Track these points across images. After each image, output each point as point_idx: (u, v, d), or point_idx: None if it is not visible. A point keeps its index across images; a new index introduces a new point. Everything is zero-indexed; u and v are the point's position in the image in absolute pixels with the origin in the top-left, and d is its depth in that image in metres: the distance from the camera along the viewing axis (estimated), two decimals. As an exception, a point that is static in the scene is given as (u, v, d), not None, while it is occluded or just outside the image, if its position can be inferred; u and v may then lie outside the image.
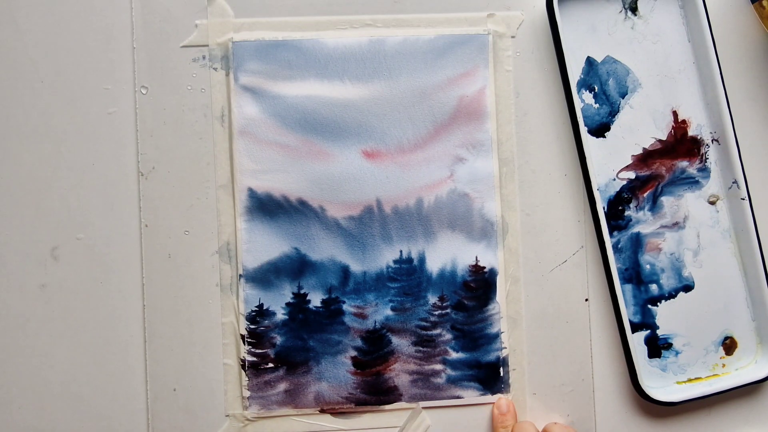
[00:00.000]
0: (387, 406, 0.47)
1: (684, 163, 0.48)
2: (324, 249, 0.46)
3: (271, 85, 0.46)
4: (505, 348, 0.47)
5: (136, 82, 0.46)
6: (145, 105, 0.46)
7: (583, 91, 0.48)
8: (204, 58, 0.46)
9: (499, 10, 0.47)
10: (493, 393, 0.47)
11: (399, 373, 0.47)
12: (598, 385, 0.48)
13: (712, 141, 0.48)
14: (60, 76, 0.46)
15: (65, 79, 0.46)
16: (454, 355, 0.47)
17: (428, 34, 0.47)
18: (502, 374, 0.47)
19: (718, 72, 0.47)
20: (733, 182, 0.48)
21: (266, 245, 0.46)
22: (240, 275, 0.46)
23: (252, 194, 0.46)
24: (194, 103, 0.46)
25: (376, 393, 0.46)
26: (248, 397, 0.46)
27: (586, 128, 0.48)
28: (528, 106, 0.48)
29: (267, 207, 0.46)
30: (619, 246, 0.48)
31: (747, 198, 0.47)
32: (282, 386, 0.46)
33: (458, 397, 0.47)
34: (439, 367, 0.47)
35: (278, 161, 0.46)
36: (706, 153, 0.49)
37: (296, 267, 0.46)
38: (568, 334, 0.47)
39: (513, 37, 0.47)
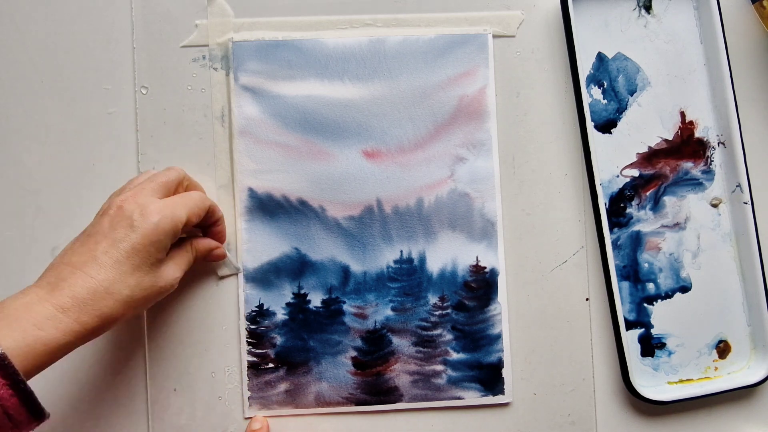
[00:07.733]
0: (387, 407, 0.47)
1: (688, 164, 0.48)
2: (324, 249, 0.46)
3: (271, 85, 0.46)
4: (507, 348, 0.47)
5: (136, 82, 0.46)
6: (145, 105, 0.46)
7: (592, 86, 0.48)
8: (204, 58, 0.46)
9: (499, 10, 0.47)
10: (494, 394, 0.47)
11: (399, 374, 0.46)
12: (598, 384, 0.48)
13: (718, 144, 0.48)
14: (60, 76, 0.46)
15: (65, 79, 0.46)
16: (454, 356, 0.47)
17: (428, 34, 0.47)
18: (503, 375, 0.47)
19: (729, 75, 0.47)
20: (737, 186, 0.48)
21: (266, 245, 0.46)
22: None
23: (252, 194, 0.46)
24: (194, 103, 0.46)
25: (376, 393, 0.46)
26: (248, 397, 0.46)
27: (592, 123, 0.47)
28: (528, 106, 0.47)
29: (267, 207, 0.46)
30: (619, 243, 0.48)
31: (750, 202, 0.47)
32: (282, 386, 0.46)
33: (459, 398, 0.47)
34: (439, 367, 0.47)
35: (278, 161, 0.46)
36: (711, 155, 0.48)
37: (296, 267, 0.46)
38: (569, 334, 0.47)
39: (513, 36, 0.47)
